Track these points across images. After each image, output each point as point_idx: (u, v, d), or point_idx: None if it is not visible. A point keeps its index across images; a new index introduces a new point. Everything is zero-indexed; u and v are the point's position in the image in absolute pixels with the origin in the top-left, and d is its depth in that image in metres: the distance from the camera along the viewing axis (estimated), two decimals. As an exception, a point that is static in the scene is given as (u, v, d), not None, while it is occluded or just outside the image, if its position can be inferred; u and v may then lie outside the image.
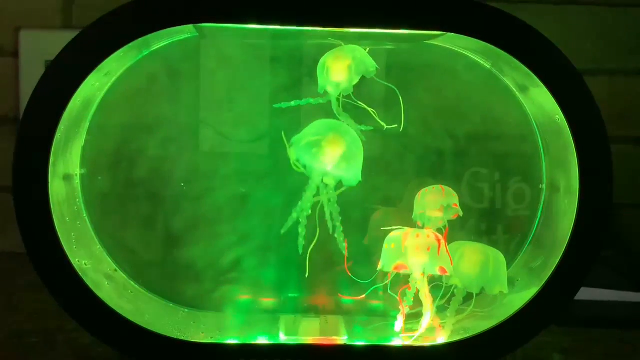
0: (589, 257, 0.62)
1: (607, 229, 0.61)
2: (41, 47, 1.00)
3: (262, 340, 0.65)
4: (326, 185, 0.63)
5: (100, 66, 0.59)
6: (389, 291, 0.63)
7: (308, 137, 0.62)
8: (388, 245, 0.62)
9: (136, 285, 0.70)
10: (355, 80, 0.63)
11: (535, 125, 0.69)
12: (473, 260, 0.64)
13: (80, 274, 0.61)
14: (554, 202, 0.68)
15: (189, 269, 0.73)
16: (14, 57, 1.04)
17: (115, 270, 0.69)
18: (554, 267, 0.62)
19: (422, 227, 0.65)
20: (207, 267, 0.72)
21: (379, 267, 0.62)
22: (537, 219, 0.70)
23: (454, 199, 0.65)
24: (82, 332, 0.63)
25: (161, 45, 0.67)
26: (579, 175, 0.61)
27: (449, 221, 0.66)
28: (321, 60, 0.64)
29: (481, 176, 0.73)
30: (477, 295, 0.64)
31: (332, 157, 0.62)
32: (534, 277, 0.66)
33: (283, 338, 0.65)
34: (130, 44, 0.59)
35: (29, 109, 0.58)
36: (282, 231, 0.64)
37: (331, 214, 0.64)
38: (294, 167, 0.62)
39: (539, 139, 0.69)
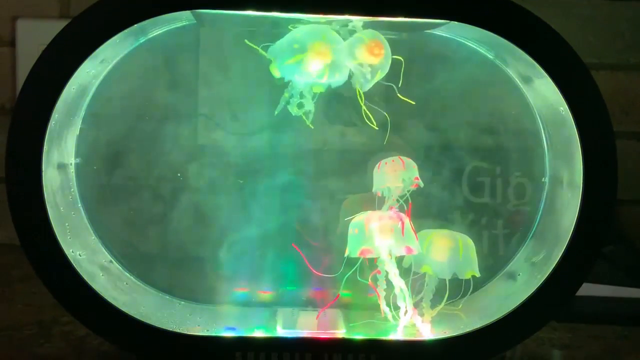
0: (591, 252, 0.61)
1: (611, 224, 0.60)
2: (38, 36, 0.99)
3: (259, 333, 0.64)
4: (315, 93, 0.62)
5: (95, 53, 0.58)
6: (358, 277, 0.63)
7: (290, 47, 0.60)
8: (352, 231, 0.62)
9: (131, 277, 0.69)
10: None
11: (538, 117, 0.68)
12: (442, 246, 0.64)
13: (74, 264, 0.60)
14: (557, 195, 0.67)
15: (186, 261, 0.72)
16: (11, 47, 1.03)
17: (110, 262, 0.68)
18: (556, 262, 0.62)
19: (383, 198, 0.64)
20: (204, 259, 0.72)
21: (346, 253, 0.62)
22: (539, 213, 0.69)
23: (414, 172, 0.64)
24: (78, 324, 0.62)
25: (158, 32, 0.66)
26: (583, 168, 0.60)
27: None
28: None
29: (483, 169, 0.72)
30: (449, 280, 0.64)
31: (317, 66, 0.59)
32: (535, 271, 0.65)
33: (280, 331, 0.64)
34: (126, 31, 0.58)
35: (22, 95, 0.58)
36: (276, 112, 0.63)
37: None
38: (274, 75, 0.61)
39: (542, 131, 0.68)
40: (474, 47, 0.68)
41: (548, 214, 0.68)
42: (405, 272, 0.64)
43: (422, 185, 0.64)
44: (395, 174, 0.63)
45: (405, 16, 0.60)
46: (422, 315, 0.64)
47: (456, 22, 0.59)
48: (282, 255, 0.71)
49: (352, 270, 0.63)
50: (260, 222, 0.71)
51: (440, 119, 0.72)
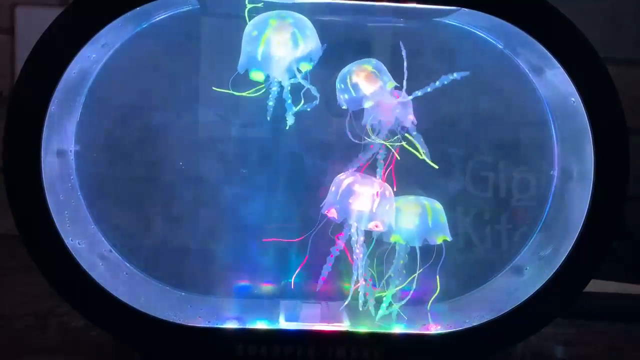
0: (601, 247, 0.61)
1: (622, 218, 0.60)
2: (37, 23, 0.97)
3: (261, 326, 0.63)
4: (299, 70, 0.60)
5: (96, 37, 0.57)
6: (330, 234, 0.62)
7: (252, 39, 0.59)
8: (331, 187, 0.62)
9: (131, 267, 0.68)
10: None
11: (548, 109, 0.67)
12: (410, 213, 0.63)
13: (73, 253, 0.59)
14: (567, 188, 0.66)
15: (186, 252, 0.71)
16: (10, 34, 1.02)
17: (110, 251, 0.67)
18: (564, 257, 0.61)
19: (374, 133, 0.62)
20: (205, 250, 0.70)
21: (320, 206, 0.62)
22: (548, 206, 0.68)
23: (409, 109, 0.62)
24: (75, 315, 0.62)
25: (162, 17, 0.65)
26: (594, 161, 0.59)
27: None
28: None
29: (490, 162, 0.71)
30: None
31: (288, 46, 0.58)
32: (543, 266, 0.64)
33: (283, 324, 0.63)
34: (129, 15, 0.57)
35: (21, 79, 0.57)
36: (269, 118, 0.62)
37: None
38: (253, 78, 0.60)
39: (552, 123, 0.67)
40: (484, 36, 0.67)
41: (557, 207, 0.67)
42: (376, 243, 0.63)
43: (415, 123, 0.62)
44: (389, 108, 0.62)
45: (415, 2, 0.59)
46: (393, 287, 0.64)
47: (467, 10, 0.58)
48: (285, 247, 0.70)
49: (313, 230, 0.62)
50: (263, 213, 0.70)
51: (447, 110, 0.70)
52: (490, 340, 0.62)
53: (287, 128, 0.62)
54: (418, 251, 0.63)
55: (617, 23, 1.04)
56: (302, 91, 0.62)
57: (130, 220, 0.70)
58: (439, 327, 0.64)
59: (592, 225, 0.60)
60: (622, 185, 0.59)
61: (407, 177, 0.64)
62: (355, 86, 0.61)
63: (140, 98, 0.70)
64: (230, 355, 0.60)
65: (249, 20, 0.61)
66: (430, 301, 0.65)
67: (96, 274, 0.60)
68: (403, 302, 0.64)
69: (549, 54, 0.59)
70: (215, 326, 0.62)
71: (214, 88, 0.63)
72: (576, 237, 0.60)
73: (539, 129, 0.68)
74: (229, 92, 0.62)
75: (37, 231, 0.58)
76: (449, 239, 0.63)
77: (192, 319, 0.64)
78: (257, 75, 0.60)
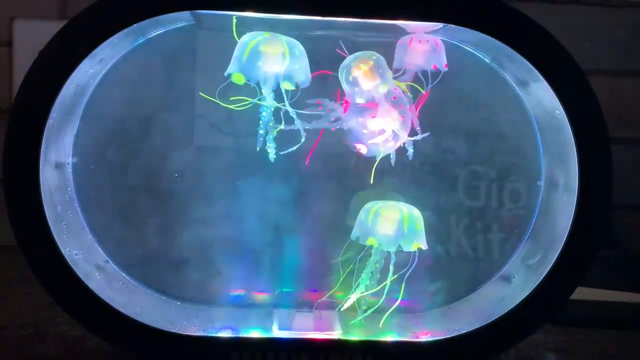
0: (586, 255, 0.62)
1: (606, 227, 0.61)
2: (35, 37, 0.99)
3: (255, 334, 0.64)
4: (286, 90, 0.62)
5: (94, 52, 0.58)
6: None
7: (243, 44, 0.60)
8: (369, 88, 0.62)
9: (127, 277, 0.69)
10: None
11: (534, 121, 0.69)
12: (388, 218, 0.64)
13: (70, 264, 0.60)
14: (552, 198, 0.67)
15: (181, 262, 0.72)
16: (8, 47, 1.03)
17: (107, 261, 0.68)
18: (551, 265, 0.62)
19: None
20: (200, 260, 0.71)
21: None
22: (535, 216, 0.69)
23: (444, 57, 0.65)
24: (73, 325, 0.62)
25: (157, 33, 0.66)
26: (578, 172, 0.60)
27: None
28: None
29: (478, 173, 0.72)
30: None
31: (275, 58, 0.60)
32: (531, 274, 0.65)
33: (277, 332, 0.64)
34: (125, 31, 0.58)
35: (21, 93, 0.58)
36: (258, 148, 0.64)
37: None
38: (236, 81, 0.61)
39: (538, 135, 0.69)
40: (471, 50, 0.68)
41: (544, 217, 0.69)
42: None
43: (445, 70, 0.64)
44: (424, 56, 0.64)
45: (403, 19, 0.60)
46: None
47: (453, 25, 0.59)
48: (279, 257, 0.71)
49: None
50: (257, 224, 0.71)
51: (436, 122, 0.72)
52: (480, 347, 0.63)
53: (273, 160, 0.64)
54: (393, 256, 0.64)
55: (607, 34, 1.05)
56: (282, 112, 0.63)
57: (126, 231, 0.71)
58: (429, 335, 0.65)
59: (577, 233, 0.61)
60: (606, 195, 0.60)
61: (391, 183, 0.66)
62: (352, 81, 0.62)
63: (136, 111, 0.71)
64: (225, 363, 0.61)
65: (238, 38, 0.62)
66: (389, 312, 0.66)
67: (93, 284, 0.61)
68: (372, 309, 0.65)
69: (533, 68, 0.60)
70: (210, 335, 0.63)
71: (200, 93, 0.64)
72: (562, 245, 0.61)
73: (526, 140, 0.69)
74: (216, 100, 0.63)
75: (35, 242, 0.59)
76: (423, 247, 0.64)
77: (187, 327, 0.65)
78: (238, 78, 0.61)
